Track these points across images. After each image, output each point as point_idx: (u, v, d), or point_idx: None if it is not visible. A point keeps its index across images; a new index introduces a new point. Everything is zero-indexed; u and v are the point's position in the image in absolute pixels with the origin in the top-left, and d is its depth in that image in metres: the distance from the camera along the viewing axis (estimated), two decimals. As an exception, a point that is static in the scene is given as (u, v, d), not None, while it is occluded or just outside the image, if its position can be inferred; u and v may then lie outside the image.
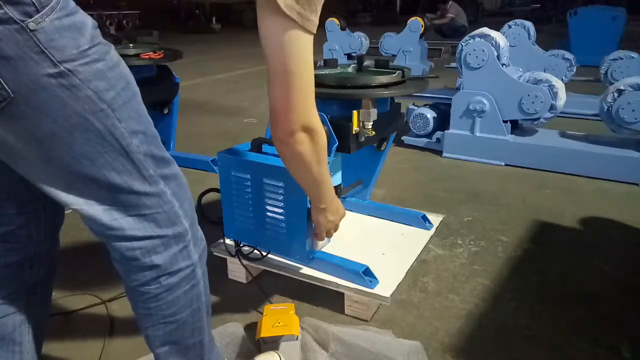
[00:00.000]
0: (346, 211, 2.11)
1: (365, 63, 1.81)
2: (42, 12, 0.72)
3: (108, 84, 0.80)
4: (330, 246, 1.62)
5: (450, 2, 8.18)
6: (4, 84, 0.72)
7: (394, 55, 6.17)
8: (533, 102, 2.92)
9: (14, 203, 0.99)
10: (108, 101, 0.80)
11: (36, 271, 1.05)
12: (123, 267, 0.93)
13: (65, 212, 1.02)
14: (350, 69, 1.83)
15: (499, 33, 3.19)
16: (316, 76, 1.67)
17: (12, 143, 0.79)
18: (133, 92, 0.85)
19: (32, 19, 0.71)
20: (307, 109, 1.02)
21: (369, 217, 2.09)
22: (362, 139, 1.66)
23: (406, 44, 6.17)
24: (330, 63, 1.81)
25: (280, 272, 1.70)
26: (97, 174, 0.83)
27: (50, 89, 0.74)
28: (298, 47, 0.94)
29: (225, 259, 1.80)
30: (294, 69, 0.96)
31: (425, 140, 3.36)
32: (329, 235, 1.45)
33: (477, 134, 3.10)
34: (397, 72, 1.64)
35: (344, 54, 6.49)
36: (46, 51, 0.72)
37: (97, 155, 0.81)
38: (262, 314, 1.48)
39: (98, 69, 0.78)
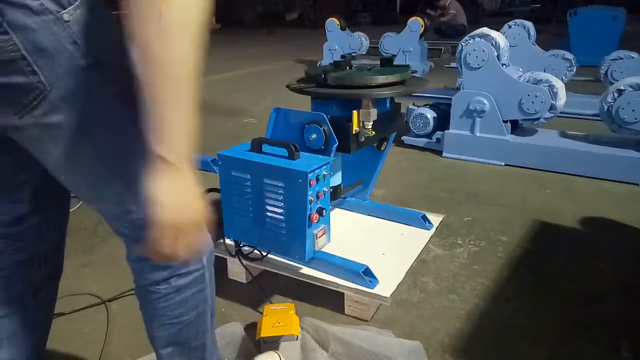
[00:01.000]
0: (346, 211, 2.14)
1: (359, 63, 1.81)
2: (75, 4, 0.73)
3: (134, 79, 0.81)
4: (330, 246, 1.62)
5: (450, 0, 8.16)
6: (40, 76, 0.72)
7: (394, 55, 6.17)
8: (533, 102, 2.92)
9: (33, 202, 0.99)
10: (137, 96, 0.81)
11: (44, 270, 1.06)
12: (138, 265, 0.94)
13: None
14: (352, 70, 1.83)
15: (499, 33, 3.19)
16: (317, 76, 1.68)
17: (43, 138, 0.79)
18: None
19: (66, 10, 0.72)
20: None
21: (369, 217, 2.09)
22: (362, 139, 1.67)
23: (406, 44, 6.17)
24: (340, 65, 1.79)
25: (280, 272, 1.70)
26: (123, 170, 0.84)
27: (82, 81, 0.75)
28: None
29: (225, 259, 1.80)
30: None
31: (425, 140, 3.36)
32: (162, 247, 0.78)
33: (477, 134, 3.10)
34: (403, 69, 1.65)
35: (344, 54, 6.50)
36: (79, 42, 0.74)
37: (121, 152, 0.83)
38: (262, 314, 1.48)
39: (125, 64, 0.80)
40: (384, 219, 2.06)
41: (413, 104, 3.53)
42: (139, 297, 0.99)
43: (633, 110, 2.69)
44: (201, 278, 0.98)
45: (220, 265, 1.83)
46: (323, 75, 1.61)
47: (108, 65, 0.77)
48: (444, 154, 3.23)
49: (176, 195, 0.73)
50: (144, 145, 0.73)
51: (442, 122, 3.32)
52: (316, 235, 1.52)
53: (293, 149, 1.47)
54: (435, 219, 2.07)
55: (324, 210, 1.51)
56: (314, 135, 1.60)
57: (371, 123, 1.64)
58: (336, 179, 1.80)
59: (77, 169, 0.83)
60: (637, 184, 2.68)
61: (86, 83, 0.76)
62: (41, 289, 1.07)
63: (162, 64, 0.67)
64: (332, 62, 1.85)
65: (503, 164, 3.05)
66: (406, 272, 1.68)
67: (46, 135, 0.78)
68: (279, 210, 1.51)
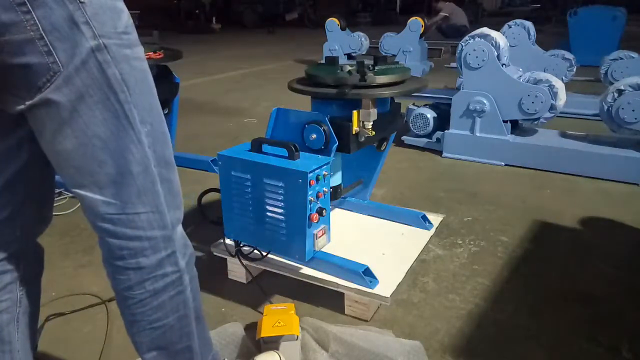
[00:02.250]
0: (346, 211, 2.14)
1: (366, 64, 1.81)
2: None
3: (131, 70, 0.83)
4: (330, 246, 1.62)
5: (446, 2, 8.16)
6: (55, 56, 0.74)
7: (394, 55, 6.17)
8: (533, 102, 2.92)
9: (5, 198, 0.97)
10: (129, 85, 0.83)
11: (23, 269, 1.05)
12: (111, 267, 0.93)
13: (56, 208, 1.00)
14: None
15: (499, 33, 3.19)
16: (317, 76, 1.68)
17: (42, 114, 0.80)
18: (150, 87, 0.89)
19: None
20: None
21: (369, 217, 2.09)
22: (362, 139, 1.67)
23: (406, 44, 6.17)
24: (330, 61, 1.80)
25: (280, 272, 1.70)
26: (107, 158, 0.84)
27: (88, 61, 0.78)
28: None
29: (225, 259, 1.80)
30: None
31: (425, 140, 3.36)
32: None
33: (477, 134, 3.10)
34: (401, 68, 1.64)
35: (344, 54, 6.50)
36: (90, 22, 0.76)
37: (110, 138, 0.83)
38: (262, 314, 1.48)
39: (126, 54, 0.83)
40: (384, 219, 2.06)
41: (413, 104, 3.53)
42: (118, 303, 0.97)
43: (633, 110, 2.69)
44: (178, 281, 0.96)
45: (220, 265, 1.83)
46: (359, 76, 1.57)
47: (110, 49, 0.79)
48: (444, 154, 3.23)
49: None
50: (127, 132, 0.83)
51: (442, 122, 3.32)
52: (316, 235, 1.52)
53: (293, 149, 1.47)
54: (435, 219, 2.07)
55: (324, 210, 1.51)
56: (314, 135, 1.60)
57: (371, 123, 1.64)
58: (336, 179, 1.80)
59: (68, 148, 0.83)
60: (637, 184, 2.68)
61: (89, 63, 0.78)
62: (22, 290, 1.06)
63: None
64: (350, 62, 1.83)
65: (503, 164, 3.05)
66: (406, 272, 1.68)
67: (45, 111, 0.79)
68: (279, 210, 1.51)
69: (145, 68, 0.88)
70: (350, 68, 1.69)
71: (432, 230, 2.00)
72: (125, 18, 0.83)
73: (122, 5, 0.83)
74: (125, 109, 0.83)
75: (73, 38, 0.75)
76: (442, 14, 7.96)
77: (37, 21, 0.72)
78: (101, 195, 0.86)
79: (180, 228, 0.97)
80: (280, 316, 1.43)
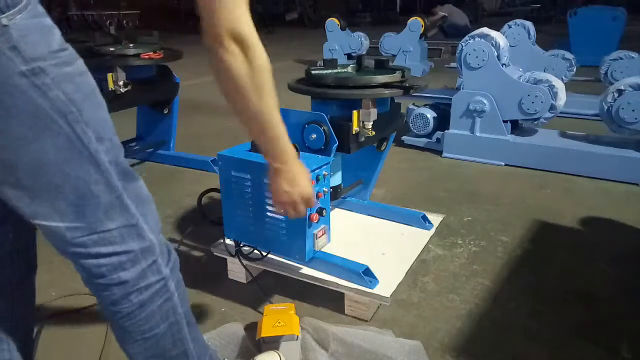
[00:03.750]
0: (346, 211, 2.13)
1: (365, 63, 1.81)
2: (14, 9, 0.72)
3: (76, 88, 0.80)
4: (330, 246, 1.63)
5: (444, 5, 8.18)
6: None
7: (394, 55, 6.18)
8: (533, 102, 2.92)
9: None
10: (77, 104, 0.79)
11: (15, 270, 1.04)
12: (92, 286, 0.91)
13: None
14: (349, 69, 1.83)
15: (499, 33, 3.19)
16: (316, 76, 1.68)
17: None
18: (99, 101, 0.85)
19: (5, 14, 0.71)
20: (235, 11, 0.88)
21: (369, 217, 2.09)
22: (362, 139, 1.67)
23: (406, 44, 6.17)
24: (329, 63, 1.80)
25: (280, 272, 1.70)
26: (64, 183, 0.81)
27: (20, 87, 0.73)
28: None
29: (225, 259, 1.80)
30: None
31: (425, 140, 3.36)
32: (289, 214, 1.18)
33: (477, 134, 3.10)
34: (397, 71, 1.64)
35: (344, 54, 6.50)
36: (18, 47, 0.72)
37: (65, 162, 0.80)
38: (262, 314, 1.48)
39: (67, 72, 0.79)
40: (384, 219, 2.06)
41: (413, 104, 3.53)
42: (107, 318, 0.96)
43: (633, 110, 2.69)
44: (164, 289, 0.95)
45: (220, 265, 1.83)
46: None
47: (48, 71, 0.75)
48: (444, 154, 3.23)
49: (288, 185, 1.10)
50: (82, 154, 0.80)
51: (442, 122, 3.32)
52: (316, 235, 1.52)
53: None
54: (435, 219, 2.07)
55: (324, 210, 1.51)
56: (314, 135, 1.60)
57: (371, 123, 1.64)
58: (336, 179, 1.80)
59: (11, 181, 0.79)
60: (637, 184, 2.68)
61: (23, 90, 0.74)
62: (16, 289, 1.06)
63: (244, 115, 0.97)
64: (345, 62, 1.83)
65: (503, 164, 3.05)
66: (406, 272, 1.68)
67: None
68: (279, 210, 1.51)
69: (91, 82, 0.84)
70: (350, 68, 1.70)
71: (432, 230, 2.00)
72: (57, 34, 0.78)
73: (51, 22, 0.78)
74: (77, 130, 0.79)
75: None
76: (440, 13, 7.97)
77: None
78: (63, 222, 0.83)
79: (160, 235, 0.95)
80: (280, 316, 1.43)
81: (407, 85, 1.62)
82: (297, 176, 1.10)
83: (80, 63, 0.82)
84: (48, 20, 0.78)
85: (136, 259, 0.90)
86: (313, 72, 1.72)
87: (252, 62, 0.91)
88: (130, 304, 0.91)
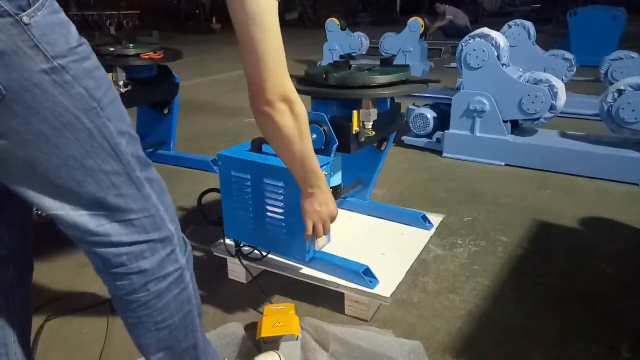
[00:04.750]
0: (346, 211, 2.13)
1: (359, 63, 1.81)
2: (34, 6, 0.72)
3: (96, 83, 0.80)
4: (330, 246, 1.63)
5: (446, 6, 8.19)
6: None
7: (394, 55, 6.18)
8: (533, 102, 2.92)
9: None
10: (98, 99, 0.80)
11: (12, 272, 1.04)
12: (109, 275, 0.90)
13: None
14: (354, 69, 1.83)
15: (499, 33, 3.20)
16: (316, 76, 1.68)
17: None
18: (115, 94, 0.86)
19: (26, 12, 0.71)
20: (281, 77, 1.02)
21: (369, 217, 2.09)
22: (362, 139, 1.67)
23: (406, 44, 6.17)
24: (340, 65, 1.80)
25: (280, 272, 1.70)
26: (86, 177, 0.81)
27: (42, 85, 0.74)
28: (263, 13, 0.95)
29: (225, 259, 1.80)
30: (261, 36, 0.96)
31: (425, 140, 3.36)
32: (317, 231, 1.34)
33: (477, 134, 3.10)
34: (401, 70, 1.65)
35: (344, 54, 6.50)
36: (40, 45, 0.72)
37: (86, 157, 0.80)
38: (262, 314, 1.48)
39: (86, 68, 0.79)
40: (384, 219, 2.06)
41: (413, 104, 3.53)
42: (118, 308, 0.96)
43: (633, 110, 2.69)
44: (180, 279, 0.96)
45: (220, 265, 1.83)
46: (324, 76, 1.61)
47: (69, 68, 0.76)
48: (444, 154, 3.23)
49: (320, 205, 1.29)
50: (104, 148, 0.81)
51: (442, 122, 3.32)
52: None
53: (293, 149, 1.47)
54: (435, 219, 2.07)
55: (324, 210, 1.51)
56: (314, 135, 1.60)
57: (371, 123, 1.64)
58: (336, 179, 1.80)
59: (32, 176, 0.80)
60: (637, 184, 2.68)
61: (45, 87, 0.74)
62: (13, 292, 1.06)
63: (288, 159, 1.18)
64: (331, 62, 1.85)
65: (503, 164, 3.05)
66: (406, 272, 1.68)
67: (1, 141, 0.76)
68: (279, 210, 1.51)
69: (106, 75, 0.85)
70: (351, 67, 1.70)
71: (432, 230, 2.00)
72: (74, 29, 0.79)
73: (66, 17, 0.79)
74: (99, 125, 0.80)
75: (18, 62, 0.71)
76: (447, 17, 7.99)
77: None
78: (86, 210, 0.84)
79: (177, 224, 0.96)
80: (280, 316, 1.43)
81: (424, 79, 1.64)
82: (327, 199, 1.30)
83: (94, 57, 0.83)
84: (64, 16, 0.78)
85: (156, 248, 0.91)
86: (313, 72, 1.72)
87: (298, 115, 1.08)
88: (148, 292, 0.91)
